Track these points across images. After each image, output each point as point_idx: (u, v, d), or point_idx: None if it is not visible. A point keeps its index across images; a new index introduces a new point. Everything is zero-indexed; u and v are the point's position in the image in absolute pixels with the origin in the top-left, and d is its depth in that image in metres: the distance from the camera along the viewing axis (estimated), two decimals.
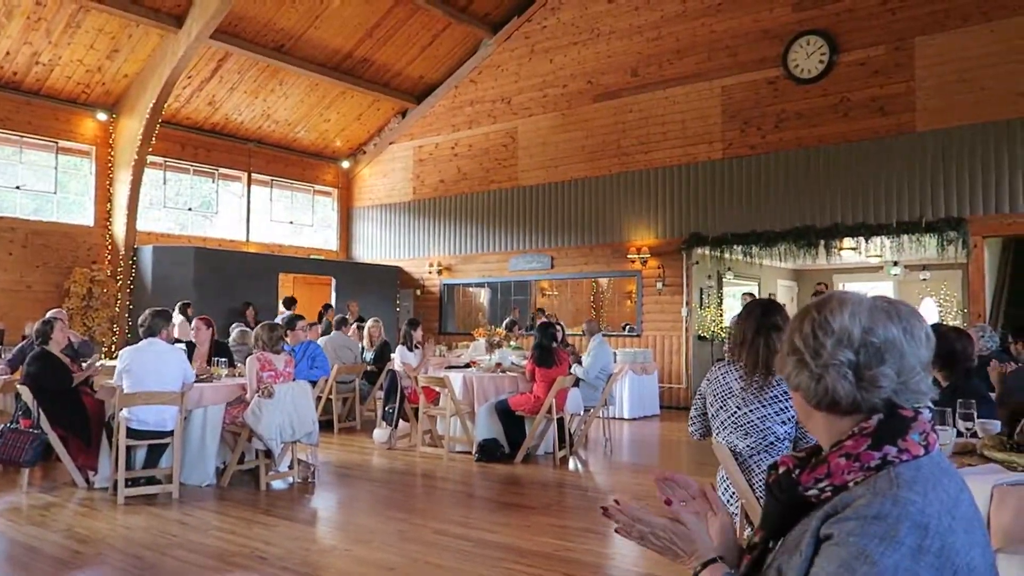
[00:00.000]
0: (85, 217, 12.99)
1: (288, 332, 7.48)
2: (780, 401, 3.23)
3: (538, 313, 12.83)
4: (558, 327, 7.87)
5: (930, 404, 1.25)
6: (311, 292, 16.48)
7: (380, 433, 8.27)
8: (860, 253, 12.14)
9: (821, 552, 1.14)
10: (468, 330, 13.95)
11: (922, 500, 1.11)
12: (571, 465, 7.39)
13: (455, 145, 15.13)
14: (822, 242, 10.82)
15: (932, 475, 1.17)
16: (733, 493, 3.33)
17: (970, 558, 1.09)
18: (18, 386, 5.99)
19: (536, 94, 13.95)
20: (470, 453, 7.51)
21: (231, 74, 13.40)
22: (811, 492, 1.23)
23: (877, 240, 10.69)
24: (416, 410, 8.03)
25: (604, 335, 9.05)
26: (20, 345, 7.52)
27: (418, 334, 8.82)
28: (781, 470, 1.31)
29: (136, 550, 4.47)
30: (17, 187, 12.35)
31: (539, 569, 4.15)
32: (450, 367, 8.91)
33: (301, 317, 8.43)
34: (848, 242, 11.02)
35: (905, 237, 10.30)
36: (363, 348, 10.11)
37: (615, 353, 10.07)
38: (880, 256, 12.80)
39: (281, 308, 12.83)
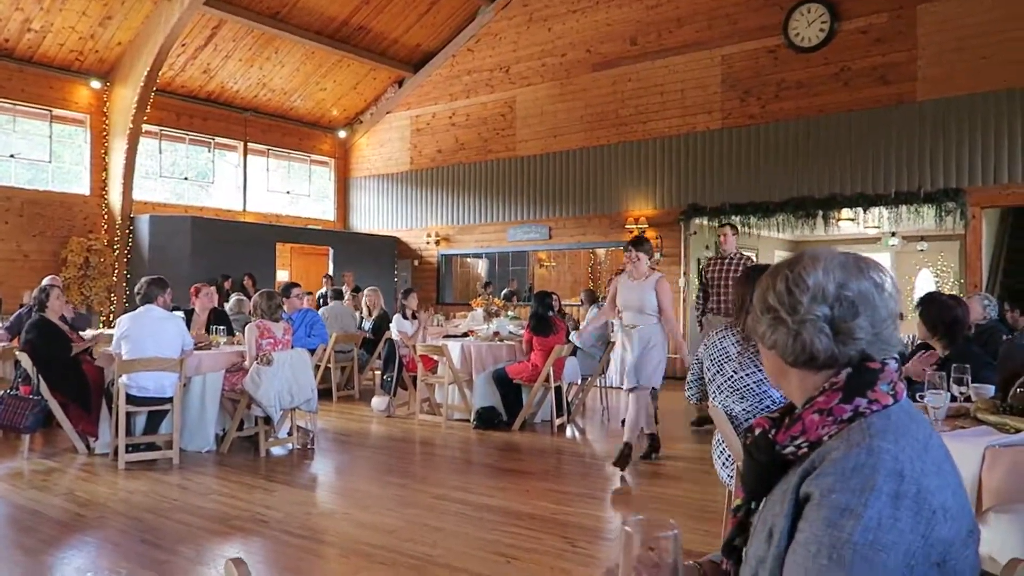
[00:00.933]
0: (81, 186, 12.92)
1: (284, 300, 7.49)
2: None
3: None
4: (554, 296, 7.88)
5: (896, 356, 1.26)
6: (308, 263, 16.49)
7: (378, 401, 8.31)
8: (858, 224, 12.13)
9: (804, 515, 1.15)
10: (466, 300, 13.96)
11: (895, 447, 1.13)
12: (568, 433, 7.45)
13: (452, 115, 15.02)
14: (820, 213, 10.80)
15: (901, 422, 1.19)
16: (729, 456, 3.37)
17: (943, 498, 1.12)
18: (17, 353, 6.01)
19: (534, 63, 13.82)
20: (468, 421, 7.57)
21: (226, 42, 13.25)
22: (788, 450, 1.25)
23: (875, 211, 10.67)
24: (414, 378, 8.07)
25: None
26: (18, 312, 7.53)
27: (412, 302, 8.80)
28: (757, 431, 1.32)
29: (137, 513, 4.51)
30: (11, 156, 12.26)
31: (537, 532, 4.21)
32: (448, 336, 8.93)
33: (297, 284, 8.45)
34: (846, 213, 10.99)
35: (903, 208, 10.28)
36: (362, 317, 10.16)
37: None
38: (878, 227, 12.79)
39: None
